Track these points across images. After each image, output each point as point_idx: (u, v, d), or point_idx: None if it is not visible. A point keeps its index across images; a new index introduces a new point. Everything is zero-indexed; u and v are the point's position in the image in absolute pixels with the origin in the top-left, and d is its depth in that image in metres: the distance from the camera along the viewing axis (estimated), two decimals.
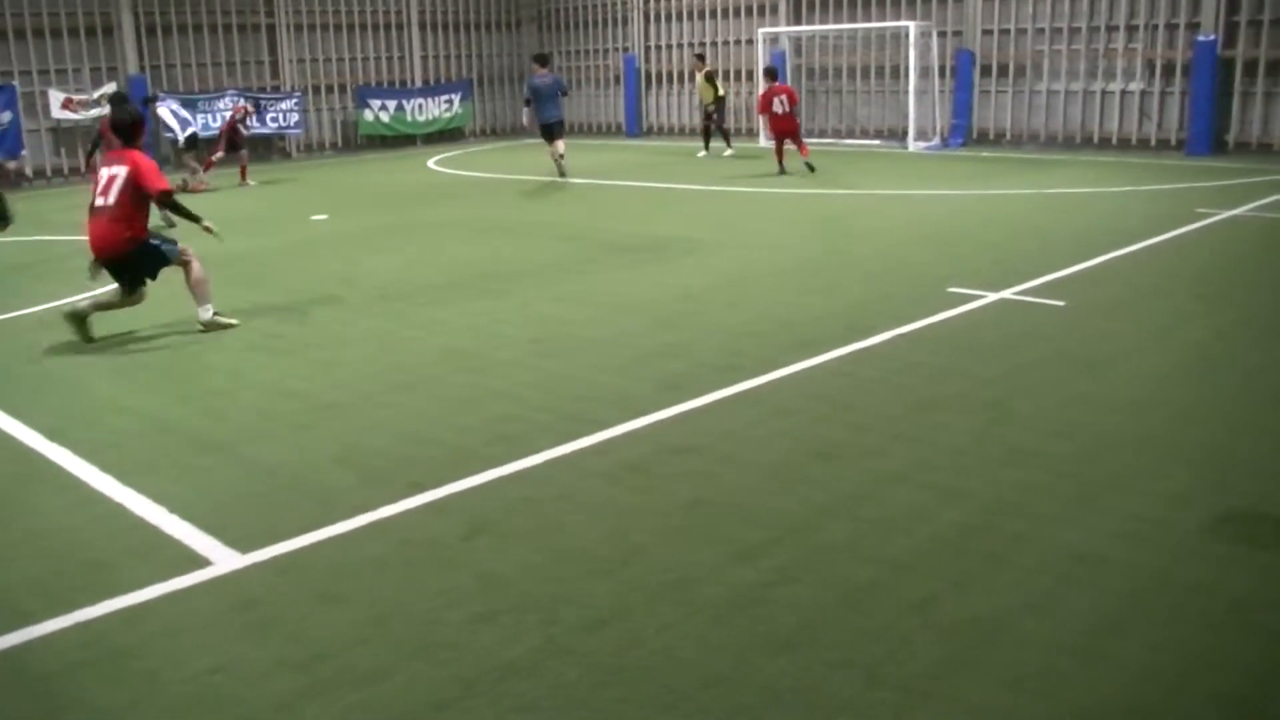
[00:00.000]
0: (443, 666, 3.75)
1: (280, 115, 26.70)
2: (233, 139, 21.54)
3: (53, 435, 6.28)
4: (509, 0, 31.60)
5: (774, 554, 4.49)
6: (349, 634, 3.99)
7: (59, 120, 24.14)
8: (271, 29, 27.21)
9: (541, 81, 19.69)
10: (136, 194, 8.51)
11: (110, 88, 24.29)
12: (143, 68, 25.22)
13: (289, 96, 26.87)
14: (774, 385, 6.77)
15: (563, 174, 19.33)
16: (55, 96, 23.90)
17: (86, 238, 8.67)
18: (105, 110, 21.44)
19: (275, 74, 27.32)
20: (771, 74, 19.63)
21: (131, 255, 8.60)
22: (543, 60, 21.01)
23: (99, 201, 8.56)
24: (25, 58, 23.90)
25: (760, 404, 6.46)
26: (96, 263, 8.74)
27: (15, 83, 23.56)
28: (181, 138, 20.93)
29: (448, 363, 7.62)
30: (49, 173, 24.50)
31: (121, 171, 8.53)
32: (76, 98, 24.04)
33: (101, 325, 8.69)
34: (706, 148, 22.72)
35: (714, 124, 22.49)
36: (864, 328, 7.96)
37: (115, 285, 8.91)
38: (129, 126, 8.82)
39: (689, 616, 4.01)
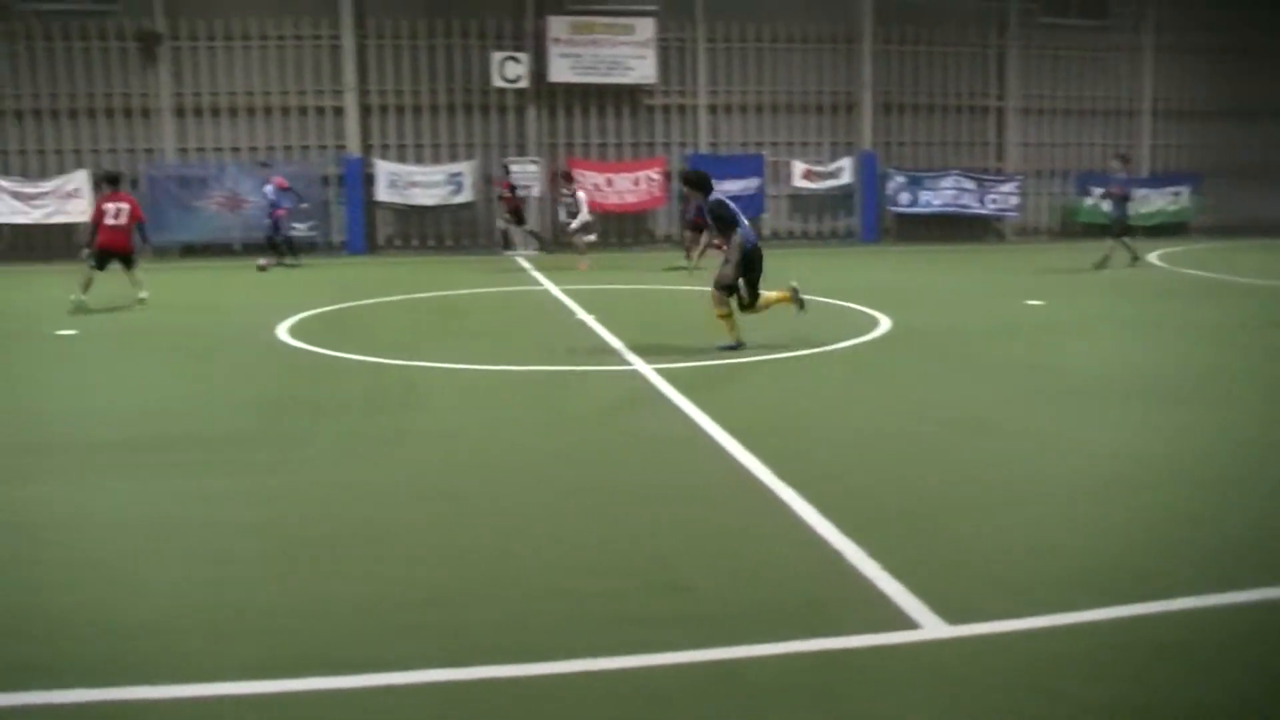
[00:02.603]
0: None
1: (999, 198, 27.01)
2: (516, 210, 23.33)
3: (784, 476, 6.87)
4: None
5: None
6: None
7: (798, 188, 26.40)
8: (1000, 112, 27.67)
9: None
10: None
11: (845, 162, 26.06)
12: (875, 144, 26.79)
13: (1010, 179, 27.11)
14: None
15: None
16: (797, 167, 26.16)
17: None
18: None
19: (999, 156, 27.70)
20: None
21: None
22: (1125, 159, 21.99)
23: None
24: (776, 130, 26.44)
25: None
26: None
27: (765, 152, 26.15)
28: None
29: (1137, 466, 7.21)
30: (782, 234, 26.85)
31: None
32: (815, 169, 26.11)
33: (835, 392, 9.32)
34: None
35: None
36: None
37: None
38: None
39: None
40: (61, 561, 5.62)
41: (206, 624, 4.81)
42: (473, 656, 4.43)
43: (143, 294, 15.48)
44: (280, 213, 22.08)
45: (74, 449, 7.91)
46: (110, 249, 15.32)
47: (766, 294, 11.50)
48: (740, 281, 11.26)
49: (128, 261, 15.51)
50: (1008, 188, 27.06)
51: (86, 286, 15.02)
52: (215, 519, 6.25)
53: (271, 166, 23.28)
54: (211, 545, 5.82)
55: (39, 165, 24.97)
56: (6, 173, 24.83)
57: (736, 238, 11.09)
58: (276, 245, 22.15)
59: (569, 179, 22.25)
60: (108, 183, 15.94)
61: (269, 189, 22.08)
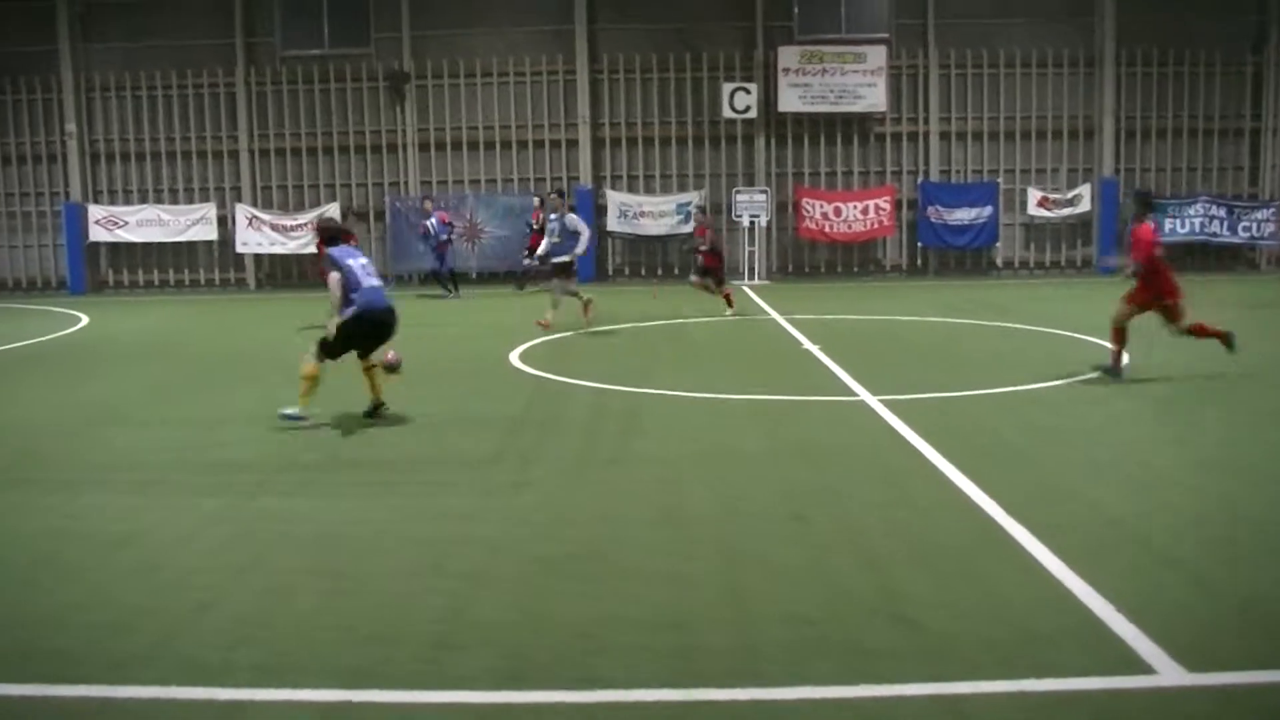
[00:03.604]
0: None
1: (1253, 225, 25.55)
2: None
3: (1011, 510, 6.74)
4: None
5: None
6: None
7: (1033, 216, 25.67)
8: (1255, 134, 26.15)
9: None
10: None
11: (1083, 189, 25.19)
12: (1117, 170, 25.78)
13: (1266, 205, 25.63)
14: None
15: None
16: (1033, 194, 25.45)
17: None
18: None
19: (1254, 180, 26.22)
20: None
21: None
22: None
23: None
24: (1011, 158, 25.79)
25: None
26: None
27: (999, 180, 25.55)
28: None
29: None
30: (1016, 264, 26.14)
31: None
32: (1052, 196, 25.36)
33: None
34: None
35: None
36: None
37: None
38: None
39: None
40: (311, 569, 6.04)
41: (436, 634, 5.10)
42: (701, 679, 4.55)
43: None
44: (443, 246, 23.09)
45: (332, 467, 8.46)
46: None
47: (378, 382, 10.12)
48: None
49: None
50: (1263, 214, 25.48)
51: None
52: (455, 535, 6.59)
53: (435, 202, 24.30)
54: (450, 559, 6.14)
55: (296, 199, 26.65)
56: (268, 206, 26.62)
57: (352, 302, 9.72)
58: (440, 277, 23.16)
59: (561, 196, 18.10)
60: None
61: (433, 222, 23.05)
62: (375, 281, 9.99)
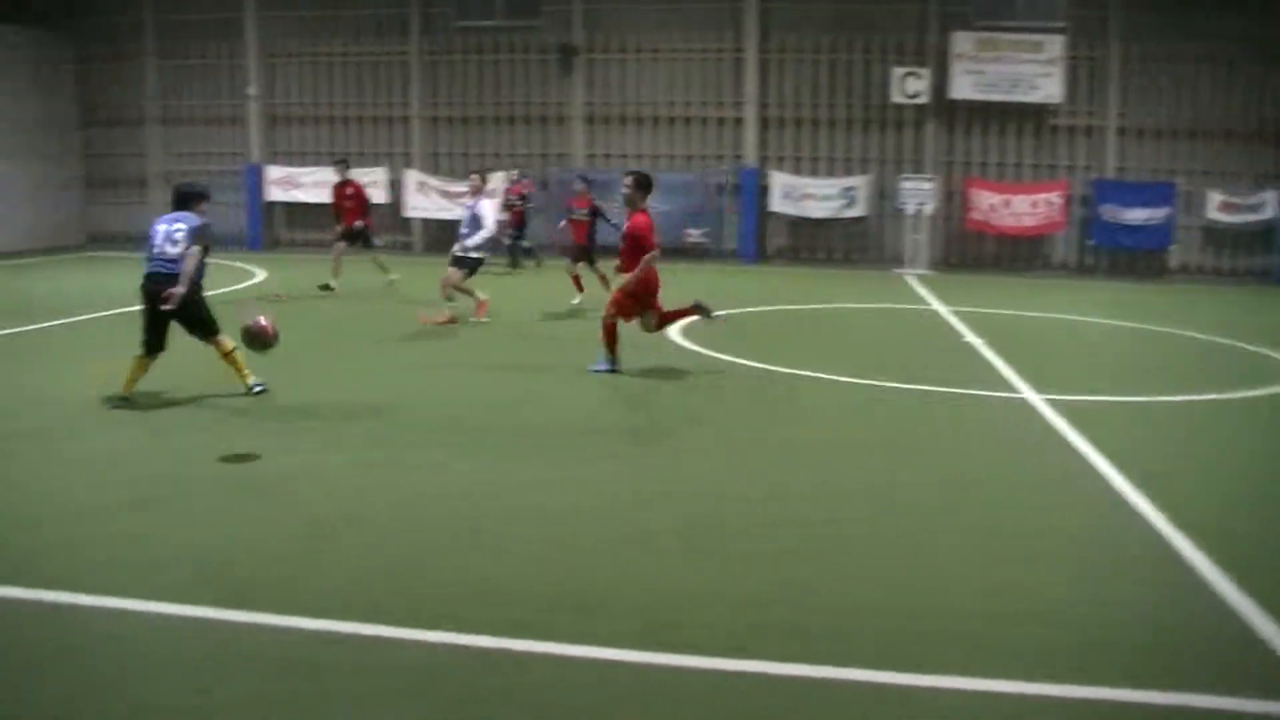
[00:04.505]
0: None
1: None
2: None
3: (1179, 524, 6.49)
4: None
5: None
6: None
7: (1212, 220, 24.60)
8: None
9: None
10: None
11: (1269, 196, 24.04)
12: None
13: None
14: None
15: None
16: (1213, 198, 24.40)
17: None
18: None
19: None
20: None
21: None
22: None
23: None
24: (1192, 158, 24.76)
25: None
26: None
27: (1178, 180, 24.57)
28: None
29: None
30: (1191, 269, 25.13)
31: None
32: (1234, 201, 24.29)
33: None
34: None
35: None
36: None
37: None
38: None
39: None
40: (446, 529, 6.28)
41: (560, 593, 5.23)
42: (851, 659, 4.60)
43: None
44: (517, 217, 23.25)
45: (487, 430, 8.67)
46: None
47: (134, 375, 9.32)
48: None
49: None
50: None
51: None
52: (595, 502, 6.70)
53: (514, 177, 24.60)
54: (560, 528, 6.32)
55: (463, 166, 27.20)
56: (437, 173, 27.26)
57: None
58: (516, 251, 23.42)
59: (481, 178, 15.81)
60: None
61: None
62: (156, 248, 9.33)
